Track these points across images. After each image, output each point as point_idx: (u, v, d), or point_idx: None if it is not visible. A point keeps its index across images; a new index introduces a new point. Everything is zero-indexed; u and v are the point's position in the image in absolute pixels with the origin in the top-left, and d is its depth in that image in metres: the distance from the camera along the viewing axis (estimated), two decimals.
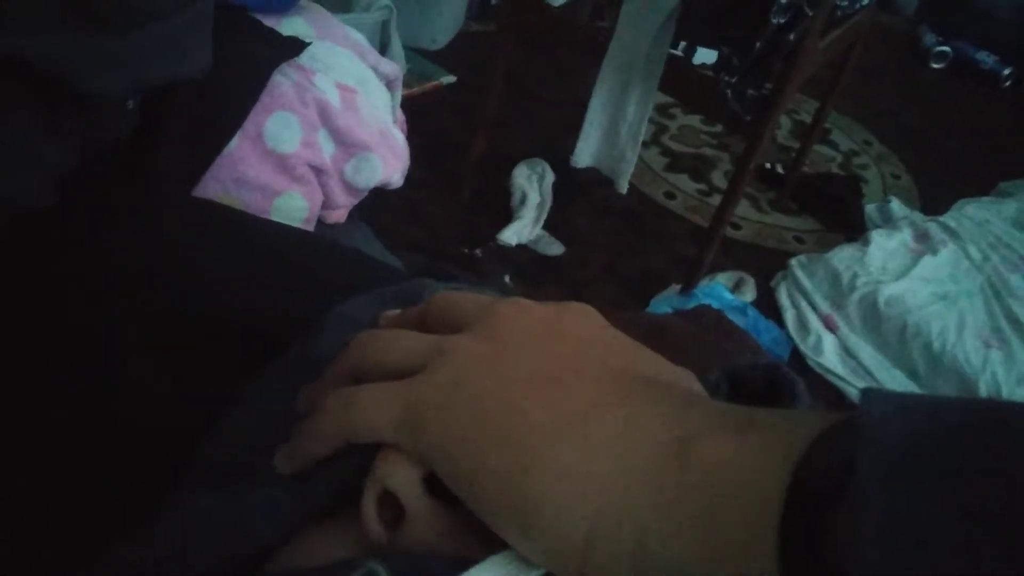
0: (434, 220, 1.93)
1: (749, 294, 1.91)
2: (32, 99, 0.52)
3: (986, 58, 3.22)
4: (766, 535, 0.24)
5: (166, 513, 0.37)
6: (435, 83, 2.35)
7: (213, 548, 0.34)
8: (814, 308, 1.87)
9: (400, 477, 0.31)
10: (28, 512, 0.45)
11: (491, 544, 0.29)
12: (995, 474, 0.20)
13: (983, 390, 1.64)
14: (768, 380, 0.37)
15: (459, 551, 0.31)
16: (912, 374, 1.75)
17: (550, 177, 2.07)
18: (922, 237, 2.02)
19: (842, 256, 1.92)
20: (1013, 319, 1.81)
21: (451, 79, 2.38)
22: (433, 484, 0.31)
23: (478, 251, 1.86)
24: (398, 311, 0.40)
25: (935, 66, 3.25)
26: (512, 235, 1.90)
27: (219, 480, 0.39)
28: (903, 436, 0.21)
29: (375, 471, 0.32)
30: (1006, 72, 3.20)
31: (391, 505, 0.32)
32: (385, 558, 0.30)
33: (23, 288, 0.52)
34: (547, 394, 0.30)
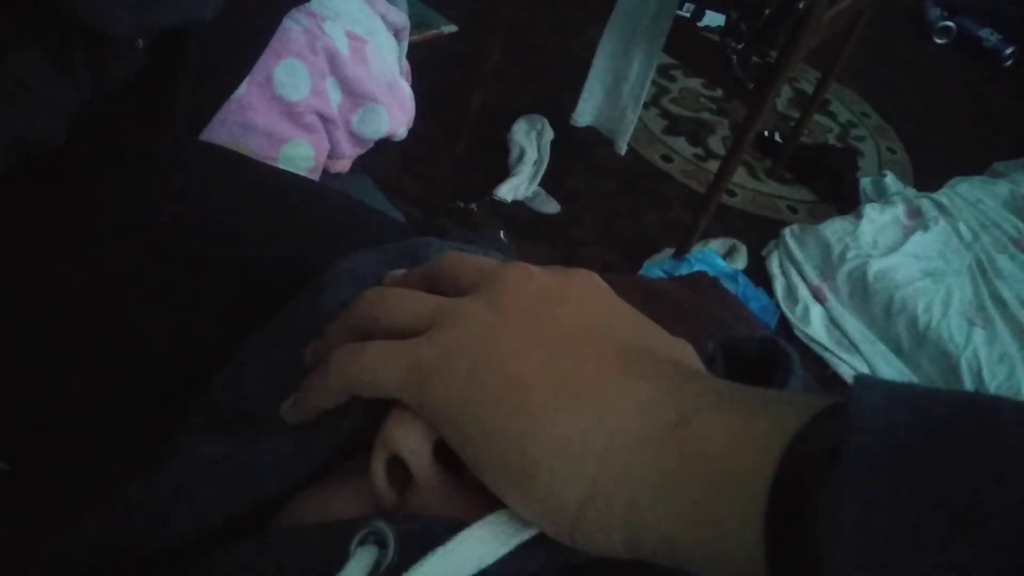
0: (430, 172, 1.92)
1: (740, 261, 1.93)
2: (46, 37, 0.51)
3: (989, 36, 3.20)
4: (753, 518, 0.24)
5: (172, 457, 0.37)
6: (435, 32, 2.31)
7: (218, 494, 0.35)
8: (804, 278, 1.88)
9: (411, 446, 0.32)
10: (39, 447, 0.46)
11: (494, 510, 0.30)
12: (978, 474, 0.20)
13: (964, 367, 1.67)
14: (764, 353, 0.38)
15: (462, 516, 0.31)
16: (896, 348, 1.77)
17: (549, 134, 2.05)
18: (914, 213, 2.03)
19: (834, 228, 1.93)
20: (998, 299, 1.84)
21: (452, 28, 2.34)
22: (440, 448, 0.32)
23: (474, 206, 1.86)
24: (404, 271, 0.41)
25: (938, 41, 3.22)
26: (508, 191, 1.89)
27: (224, 426, 0.40)
28: (889, 428, 0.22)
29: (385, 436, 0.32)
30: (1008, 51, 3.18)
31: (399, 467, 0.32)
32: (391, 519, 0.30)
33: (34, 230, 0.52)
34: (549, 363, 0.30)
